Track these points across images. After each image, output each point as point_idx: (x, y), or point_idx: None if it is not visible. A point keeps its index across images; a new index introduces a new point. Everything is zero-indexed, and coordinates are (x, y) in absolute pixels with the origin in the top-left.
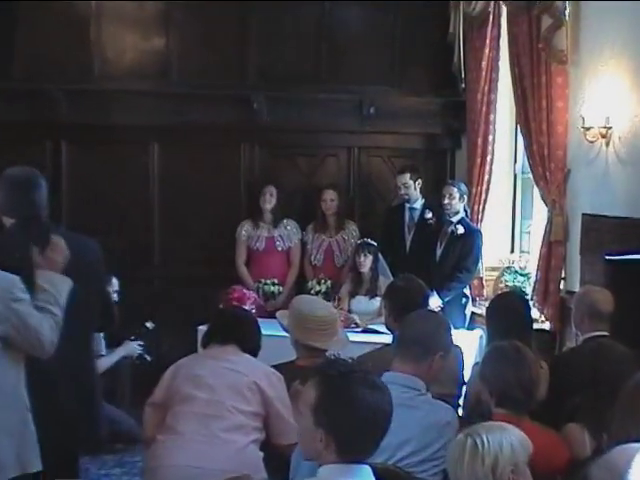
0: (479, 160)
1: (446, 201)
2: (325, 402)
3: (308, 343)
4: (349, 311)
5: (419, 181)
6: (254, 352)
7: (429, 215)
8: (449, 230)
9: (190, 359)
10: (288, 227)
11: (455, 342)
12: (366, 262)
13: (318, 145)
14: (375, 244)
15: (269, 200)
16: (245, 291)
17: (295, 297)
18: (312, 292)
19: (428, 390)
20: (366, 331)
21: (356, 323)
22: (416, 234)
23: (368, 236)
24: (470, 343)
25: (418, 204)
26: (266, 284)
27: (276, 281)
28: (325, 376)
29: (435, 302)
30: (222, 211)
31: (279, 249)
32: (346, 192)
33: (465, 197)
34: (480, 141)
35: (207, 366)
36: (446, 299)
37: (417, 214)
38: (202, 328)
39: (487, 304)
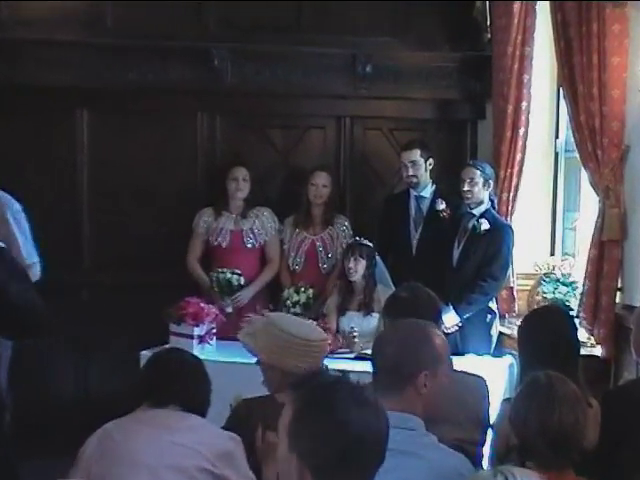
0: (509, 134)
1: (466, 187)
2: (300, 421)
3: (293, 370)
4: (338, 331)
5: (430, 161)
6: (202, 410)
7: (442, 206)
8: (469, 225)
9: (119, 427)
10: (262, 217)
11: (477, 372)
12: (357, 268)
13: (298, 114)
14: (370, 244)
15: (243, 186)
16: (203, 305)
17: (271, 314)
18: (287, 303)
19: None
20: (360, 358)
21: (353, 344)
22: (425, 231)
23: (363, 234)
24: (497, 373)
25: (428, 191)
26: (222, 272)
27: (238, 271)
28: (303, 389)
29: (451, 320)
30: (173, 199)
31: (248, 246)
32: (335, 176)
33: (491, 182)
34: (511, 109)
35: (143, 438)
36: (465, 316)
37: (427, 204)
38: (145, 354)
39: (519, 322)
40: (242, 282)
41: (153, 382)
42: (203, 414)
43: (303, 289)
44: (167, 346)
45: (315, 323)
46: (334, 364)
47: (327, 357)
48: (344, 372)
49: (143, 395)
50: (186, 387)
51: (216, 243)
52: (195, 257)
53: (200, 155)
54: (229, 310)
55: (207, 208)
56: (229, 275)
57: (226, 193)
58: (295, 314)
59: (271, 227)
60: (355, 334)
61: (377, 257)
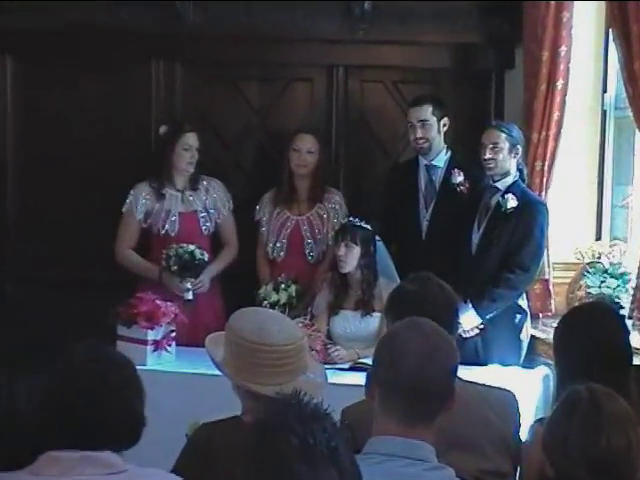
0: (544, 88)
1: (488, 155)
2: None
3: (253, 388)
4: (329, 336)
5: (444, 121)
6: (133, 439)
7: (459, 178)
8: (492, 202)
9: None
10: (213, 191)
11: (504, 385)
12: (349, 256)
13: (279, 63)
14: (367, 227)
15: (191, 155)
16: (160, 302)
17: (236, 312)
18: (265, 305)
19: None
20: (356, 369)
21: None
22: (439, 209)
23: (360, 213)
24: (528, 388)
25: (442, 159)
26: (180, 246)
27: (205, 252)
28: (250, 437)
29: (470, 321)
30: (121, 171)
31: (205, 232)
32: (325, 141)
33: (519, 148)
34: (546, 56)
35: None
36: (489, 316)
37: (440, 175)
38: None
39: (556, 324)
40: (206, 259)
41: (61, 417)
42: (135, 439)
43: (284, 285)
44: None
45: (298, 323)
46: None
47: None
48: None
49: (46, 435)
50: (116, 417)
51: (163, 231)
52: (127, 247)
53: (155, 113)
54: (189, 297)
55: (142, 184)
56: (192, 247)
57: (170, 164)
58: None
59: (224, 203)
60: (334, 348)
61: (379, 243)
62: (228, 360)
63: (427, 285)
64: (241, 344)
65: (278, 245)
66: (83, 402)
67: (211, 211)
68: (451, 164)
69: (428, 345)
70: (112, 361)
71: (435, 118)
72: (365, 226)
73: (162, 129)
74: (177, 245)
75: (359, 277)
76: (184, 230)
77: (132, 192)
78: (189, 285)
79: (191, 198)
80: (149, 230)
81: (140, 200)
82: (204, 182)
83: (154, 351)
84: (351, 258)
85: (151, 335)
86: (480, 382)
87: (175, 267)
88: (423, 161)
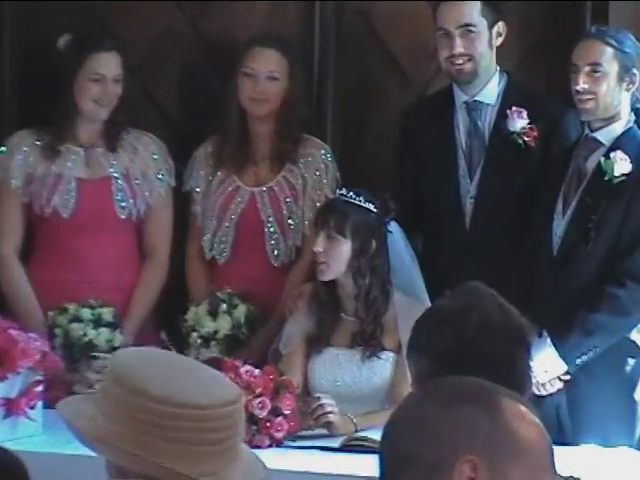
0: None
1: (582, 83)
2: None
3: (165, 464)
4: (308, 391)
5: (500, 28)
6: None
7: (521, 122)
8: (589, 166)
9: None
10: (143, 152)
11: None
12: (331, 256)
13: None
14: (369, 206)
15: (111, 94)
16: (16, 333)
17: (119, 356)
18: (194, 338)
19: None
20: (351, 449)
21: (328, 422)
22: (491, 176)
23: (359, 183)
24: None
25: (493, 92)
26: (74, 311)
27: (113, 308)
28: None
29: (550, 367)
30: None
31: (121, 215)
32: (301, 60)
33: (636, 73)
34: None
35: None
36: (581, 359)
37: (491, 119)
38: None
39: None
40: (115, 319)
41: None
42: None
43: (226, 305)
44: None
45: (257, 372)
46: (292, 459)
47: (282, 446)
48: None
49: None
50: None
51: (49, 210)
52: (11, 243)
53: (8, 26)
54: (82, 390)
55: (22, 134)
56: (96, 314)
57: (69, 103)
58: (209, 361)
59: (161, 174)
60: (322, 401)
61: (393, 234)
62: (126, 433)
63: (476, 306)
64: (151, 408)
65: (221, 236)
66: None
67: (136, 182)
68: (509, 100)
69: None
70: None
71: (485, 22)
72: (363, 204)
73: (62, 40)
74: (69, 308)
75: (352, 290)
76: (85, 210)
77: (5, 145)
78: (91, 376)
79: (102, 159)
80: (32, 208)
81: (17, 158)
82: (128, 136)
83: (5, 417)
84: (335, 258)
85: (1, 389)
86: (565, 476)
87: (62, 352)
88: (462, 95)
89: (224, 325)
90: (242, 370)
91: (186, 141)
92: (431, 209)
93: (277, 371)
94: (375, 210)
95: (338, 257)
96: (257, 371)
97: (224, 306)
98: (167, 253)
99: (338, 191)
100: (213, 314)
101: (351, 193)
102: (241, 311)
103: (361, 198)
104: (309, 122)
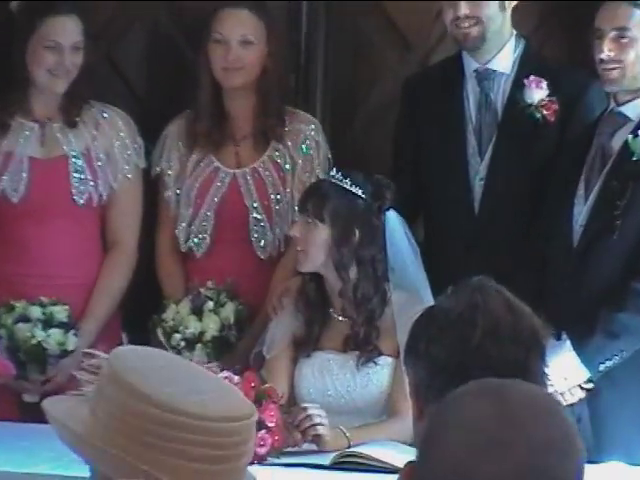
0: None
1: (607, 52)
2: None
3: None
4: (294, 401)
5: None
6: None
7: (540, 93)
8: (614, 145)
9: None
10: (109, 129)
11: None
12: (308, 242)
13: None
14: (355, 189)
15: (70, 64)
16: None
17: (115, 351)
18: (176, 340)
19: None
20: (343, 466)
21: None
22: (503, 154)
23: (351, 163)
24: None
25: (507, 60)
26: (33, 304)
27: (67, 307)
28: None
29: (569, 373)
30: None
31: (79, 200)
32: (283, 23)
33: None
34: None
35: None
36: (604, 365)
37: (504, 90)
38: None
39: None
40: (68, 319)
41: None
42: None
43: (213, 302)
44: None
45: (236, 379)
46: (277, 478)
47: (266, 463)
48: None
49: None
50: None
51: None
52: None
53: None
54: (32, 399)
55: None
56: (39, 315)
57: (23, 73)
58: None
59: (127, 154)
60: (310, 411)
61: (393, 221)
62: (119, 439)
63: (483, 307)
64: (149, 414)
65: (198, 225)
66: None
67: (99, 163)
68: (526, 68)
69: (534, 437)
70: None
71: None
72: (349, 188)
73: (15, 2)
74: (5, 309)
75: (336, 285)
76: (38, 193)
77: None
78: (80, 376)
79: (59, 136)
80: None
81: None
82: (90, 111)
83: None
84: (312, 245)
85: None
86: None
87: (7, 355)
88: (472, 63)
89: (211, 325)
90: (219, 376)
91: (154, 117)
92: (435, 193)
93: (259, 378)
94: (363, 196)
95: (315, 244)
96: (236, 378)
97: (210, 304)
98: (135, 244)
99: (331, 172)
100: (198, 313)
101: (339, 174)
102: (230, 309)
103: (348, 181)
104: (295, 94)
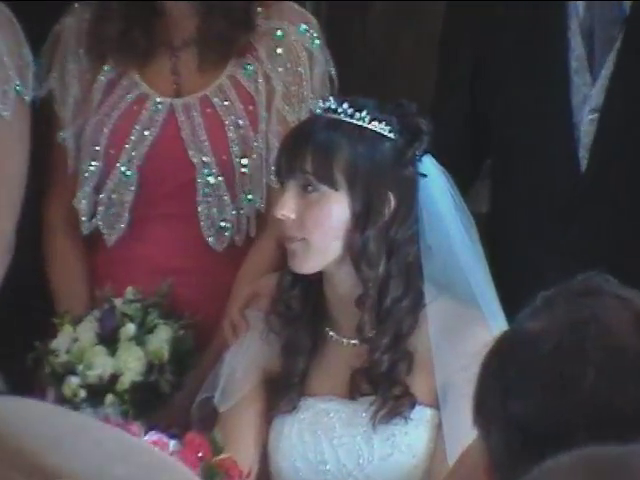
0: None
1: None
2: None
3: None
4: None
5: None
6: None
7: None
8: None
9: None
10: None
11: None
12: (319, 230)
13: None
14: (386, 129)
15: None
16: None
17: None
18: (73, 392)
19: None
20: None
21: None
22: (630, 68)
23: (370, 82)
24: None
25: None
26: None
27: None
28: None
29: None
30: None
31: None
32: None
33: None
34: None
35: None
36: None
37: None
38: None
39: None
40: None
41: None
42: None
43: (136, 327)
44: None
45: (172, 445)
46: None
47: None
48: None
49: None
50: None
51: None
52: None
53: None
54: None
55: None
56: None
57: None
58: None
59: (7, 85)
60: None
61: (429, 176)
62: None
63: (598, 323)
64: None
65: (111, 192)
66: None
67: None
68: None
69: None
70: None
71: None
72: (368, 125)
73: None
74: None
75: (351, 289)
76: None
77: None
78: None
79: None
80: None
81: None
82: None
83: None
84: (318, 228)
85: None
86: None
87: None
88: None
89: (132, 364)
90: (142, 442)
91: (37, 12)
92: (510, 133)
93: (210, 443)
94: (392, 135)
95: (324, 226)
96: (172, 443)
97: (131, 327)
98: (11, 227)
99: (321, 103)
100: (109, 343)
101: (345, 105)
102: (163, 336)
103: (365, 114)
104: None
